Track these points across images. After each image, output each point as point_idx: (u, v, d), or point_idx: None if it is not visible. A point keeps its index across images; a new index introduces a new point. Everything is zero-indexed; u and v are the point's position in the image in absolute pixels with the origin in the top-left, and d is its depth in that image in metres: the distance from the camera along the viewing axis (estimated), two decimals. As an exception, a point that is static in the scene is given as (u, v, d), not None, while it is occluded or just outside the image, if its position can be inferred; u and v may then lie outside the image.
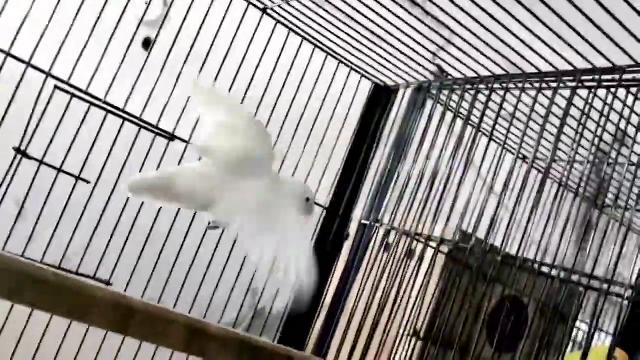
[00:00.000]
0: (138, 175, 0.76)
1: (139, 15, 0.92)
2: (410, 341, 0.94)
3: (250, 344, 0.60)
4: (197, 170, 0.75)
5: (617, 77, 0.81)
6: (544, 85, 0.90)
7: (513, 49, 0.90)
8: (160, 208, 0.85)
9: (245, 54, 0.99)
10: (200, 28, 0.95)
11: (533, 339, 0.90)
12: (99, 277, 0.88)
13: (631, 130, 0.84)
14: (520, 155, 1.17)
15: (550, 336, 0.88)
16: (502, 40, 0.89)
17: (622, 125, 0.85)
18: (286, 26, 1.04)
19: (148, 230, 0.91)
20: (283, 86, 1.02)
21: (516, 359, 0.96)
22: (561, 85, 0.88)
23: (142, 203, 0.88)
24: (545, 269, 0.87)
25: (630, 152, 0.86)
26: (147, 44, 1.12)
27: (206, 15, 0.95)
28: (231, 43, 0.97)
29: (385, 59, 1.05)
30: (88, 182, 0.86)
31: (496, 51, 0.92)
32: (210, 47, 0.95)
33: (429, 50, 1.00)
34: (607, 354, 0.70)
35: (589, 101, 0.87)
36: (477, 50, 0.94)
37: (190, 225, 0.93)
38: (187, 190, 0.73)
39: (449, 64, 1.00)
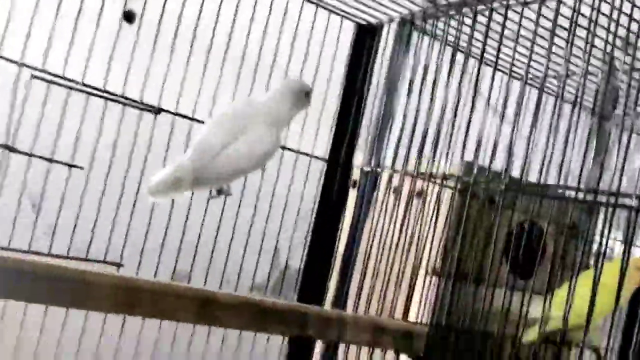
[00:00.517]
0: (152, 178, 0.78)
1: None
2: (431, 279, 0.94)
3: (261, 307, 0.59)
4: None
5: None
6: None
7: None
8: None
9: (218, 13, 0.95)
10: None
11: (553, 261, 0.90)
12: (110, 260, 0.88)
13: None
14: (519, 76, 1.14)
15: (567, 255, 0.87)
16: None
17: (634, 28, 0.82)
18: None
19: (149, 210, 0.90)
20: (262, 42, 0.99)
21: (533, 282, 0.96)
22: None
23: (140, 183, 0.88)
24: (563, 191, 0.85)
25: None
26: (129, 17, 1.09)
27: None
28: (202, 4, 0.94)
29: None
30: (82, 167, 0.85)
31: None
32: (180, 13, 0.92)
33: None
34: (621, 262, 0.69)
35: (595, 7, 0.83)
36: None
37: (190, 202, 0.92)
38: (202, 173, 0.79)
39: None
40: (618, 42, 0.84)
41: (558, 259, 0.83)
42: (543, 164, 0.87)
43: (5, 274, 0.45)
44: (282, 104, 0.85)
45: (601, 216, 0.90)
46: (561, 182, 0.82)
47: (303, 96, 0.86)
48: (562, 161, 0.83)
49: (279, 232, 1.00)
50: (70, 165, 0.84)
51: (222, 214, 0.95)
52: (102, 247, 0.89)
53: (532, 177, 0.91)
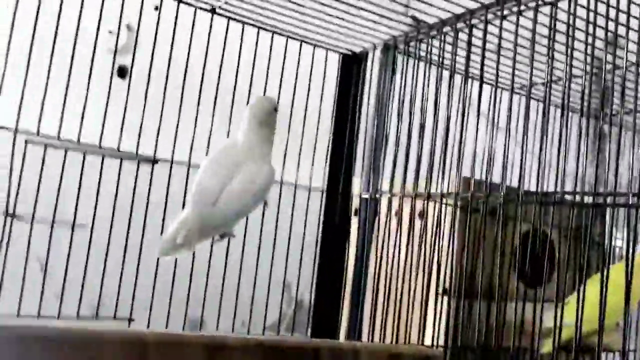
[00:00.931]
0: (162, 240, 0.82)
1: (102, 46, 0.91)
2: (442, 299, 0.93)
3: (273, 347, 0.59)
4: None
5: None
6: (506, 12, 0.88)
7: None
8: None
9: (205, 58, 0.97)
10: (153, 49, 0.93)
11: (560, 267, 0.89)
12: (120, 316, 0.88)
13: (622, 31, 0.81)
14: (506, 86, 1.15)
15: (576, 260, 0.86)
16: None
17: (611, 28, 0.83)
18: (239, 21, 1.02)
19: (155, 260, 0.90)
20: (250, 80, 1.01)
21: (544, 291, 0.95)
22: (522, 7, 0.86)
23: (143, 235, 0.88)
24: (567, 197, 0.85)
25: (625, 53, 0.83)
26: (122, 72, 1.11)
27: (155, 34, 0.94)
28: (188, 52, 0.96)
29: (344, 27, 1.03)
30: (84, 226, 0.85)
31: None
32: (169, 60, 0.94)
33: (398, 3, 0.96)
34: (625, 260, 0.69)
35: (572, 12, 0.85)
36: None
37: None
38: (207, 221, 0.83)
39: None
40: (599, 44, 0.85)
41: (566, 265, 0.83)
42: (539, 170, 0.87)
43: (19, 341, 0.45)
44: (258, 134, 0.88)
45: (607, 217, 0.90)
46: (559, 187, 0.83)
47: (272, 115, 0.89)
48: (558, 165, 0.83)
49: (285, 268, 1.00)
50: (73, 225, 0.85)
51: (227, 256, 0.95)
52: (112, 303, 0.89)
53: (532, 186, 0.92)
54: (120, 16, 0.92)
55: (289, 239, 1.01)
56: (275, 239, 1.00)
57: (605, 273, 0.72)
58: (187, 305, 0.91)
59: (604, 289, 0.71)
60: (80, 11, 0.88)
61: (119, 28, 0.93)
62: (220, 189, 0.84)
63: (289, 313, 1.17)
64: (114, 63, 0.94)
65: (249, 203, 0.87)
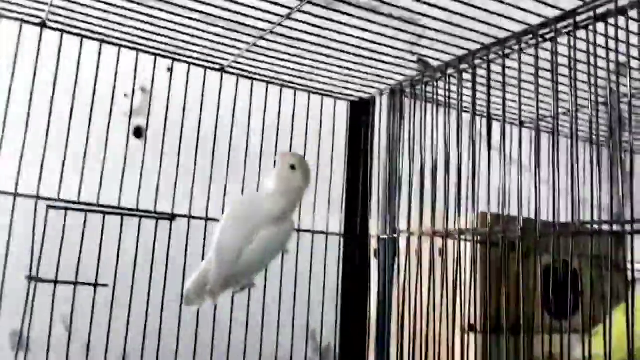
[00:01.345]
0: (185, 289, 0.83)
1: (117, 110, 0.94)
2: (468, 336, 0.92)
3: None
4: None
5: (591, 14, 0.81)
6: (507, 50, 0.90)
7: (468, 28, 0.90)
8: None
9: (217, 114, 1.00)
10: (167, 109, 0.96)
11: (590, 295, 0.88)
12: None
13: (623, 58, 0.82)
14: (515, 121, 1.16)
15: (601, 289, 0.85)
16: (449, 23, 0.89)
17: (613, 57, 0.84)
18: (248, 77, 1.05)
19: (177, 315, 0.91)
20: (262, 133, 1.03)
21: (570, 322, 0.94)
22: (523, 45, 0.88)
23: (164, 289, 0.89)
24: (579, 225, 0.85)
25: (629, 80, 0.83)
26: (138, 132, 1.15)
27: (168, 95, 0.97)
28: (200, 110, 0.98)
29: (351, 75, 1.06)
30: (106, 285, 0.87)
31: (452, 35, 0.92)
32: (182, 119, 0.97)
33: (401, 50, 0.99)
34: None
35: (571, 45, 0.86)
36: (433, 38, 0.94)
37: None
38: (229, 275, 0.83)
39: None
40: (602, 73, 0.86)
41: (590, 294, 0.81)
42: (554, 201, 0.87)
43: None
44: (282, 190, 0.85)
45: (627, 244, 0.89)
46: (577, 217, 0.82)
47: (289, 172, 0.86)
48: (573, 195, 0.83)
49: (308, 314, 1.00)
50: (96, 285, 0.86)
51: (248, 306, 0.95)
52: (137, 358, 0.89)
53: (548, 215, 0.92)
54: (134, 79, 0.96)
55: (310, 285, 1.01)
56: (295, 286, 1.00)
57: (630, 301, 0.71)
58: (212, 356, 0.91)
59: (631, 317, 0.69)
60: (96, 79, 0.91)
61: (133, 91, 0.96)
62: (241, 247, 0.84)
63: (315, 358, 1.16)
64: (129, 125, 0.97)
65: (270, 260, 0.87)
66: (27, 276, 0.81)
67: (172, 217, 0.93)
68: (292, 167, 0.85)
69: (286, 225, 0.87)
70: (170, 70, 1.00)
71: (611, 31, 0.82)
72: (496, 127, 0.95)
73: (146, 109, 1.07)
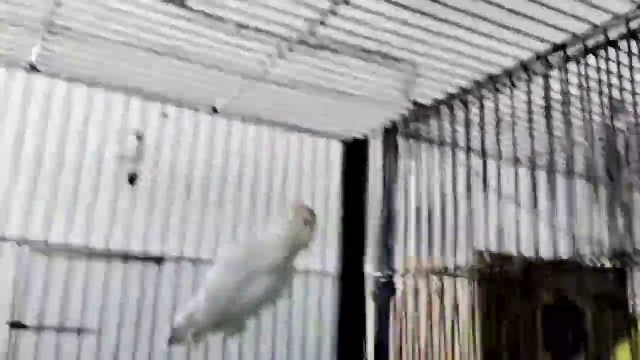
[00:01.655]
0: (170, 329, 0.82)
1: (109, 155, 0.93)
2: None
3: None
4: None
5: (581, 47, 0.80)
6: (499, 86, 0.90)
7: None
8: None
9: (210, 158, 0.99)
10: (158, 153, 0.95)
11: (593, 333, 0.85)
12: None
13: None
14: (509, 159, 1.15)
15: (606, 326, 0.82)
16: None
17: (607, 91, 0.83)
18: (241, 119, 1.05)
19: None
20: (255, 174, 1.02)
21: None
22: (514, 80, 0.87)
23: (152, 335, 0.86)
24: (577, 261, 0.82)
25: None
26: (132, 179, 1.13)
27: (159, 139, 0.96)
28: (193, 154, 0.97)
29: (343, 115, 1.05)
30: (93, 331, 0.84)
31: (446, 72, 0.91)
32: (171, 162, 0.96)
33: (395, 89, 0.98)
34: None
35: (565, 79, 0.85)
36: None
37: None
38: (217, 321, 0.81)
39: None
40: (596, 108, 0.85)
41: (595, 332, 0.78)
42: (553, 238, 0.85)
43: None
44: (285, 243, 0.83)
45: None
46: (575, 253, 0.80)
47: (302, 226, 0.84)
48: (572, 232, 0.81)
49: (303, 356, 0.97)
50: (80, 330, 0.83)
51: (240, 350, 0.92)
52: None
53: (547, 253, 0.89)
54: (123, 124, 0.95)
55: (304, 328, 0.98)
56: (290, 327, 0.97)
57: (634, 338, 0.68)
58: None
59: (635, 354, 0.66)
60: (86, 123, 0.91)
61: (120, 138, 0.96)
62: (235, 292, 0.81)
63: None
64: (118, 169, 0.95)
65: (265, 307, 0.85)
66: (8, 322, 0.79)
67: (159, 261, 0.91)
68: (306, 223, 0.84)
69: (286, 275, 0.85)
70: (165, 115, 0.99)
71: (604, 64, 0.82)
72: (492, 163, 0.94)
73: (140, 154, 1.07)
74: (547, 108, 0.85)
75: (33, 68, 0.88)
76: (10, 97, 0.85)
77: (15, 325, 0.78)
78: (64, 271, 0.84)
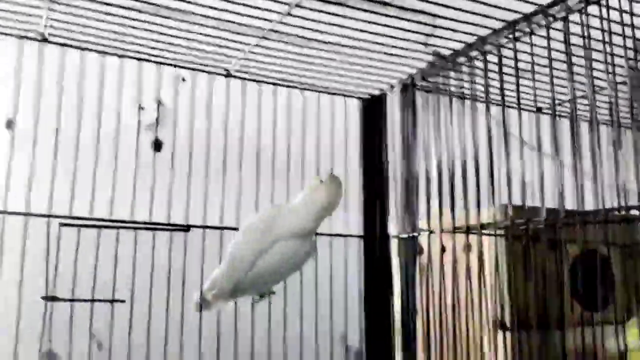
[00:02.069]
0: (199, 294, 0.85)
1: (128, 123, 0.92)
2: (496, 333, 0.89)
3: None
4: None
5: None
6: (518, 34, 0.87)
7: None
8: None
9: (226, 122, 0.98)
10: (174, 120, 0.95)
11: (622, 284, 0.84)
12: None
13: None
14: (532, 108, 1.13)
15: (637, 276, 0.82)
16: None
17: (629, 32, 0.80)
18: (254, 80, 1.03)
19: (197, 328, 0.89)
20: (273, 139, 1.01)
21: (600, 314, 0.90)
22: (533, 26, 0.85)
23: (182, 302, 0.88)
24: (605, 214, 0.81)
25: None
26: (157, 145, 1.14)
27: (175, 105, 0.95)
28: (209, 119, 0.97)
29: (360, 72, 1.03)
30: (123, 301, 0.85)
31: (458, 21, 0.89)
32: (191, 129, 0.95)
33: (412, 42, 0.96)
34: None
35: (585, 23, 0.83)
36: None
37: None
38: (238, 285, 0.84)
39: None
40: (619, 51, 0.82)
41: (623, 283, 0.78)
42: (577, 189, 0.84)
43: None
44: (310, 209, 0.86)
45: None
46: (601, 204, 0.79)
47: (316, 186, 0.87)
48: (596, 181, 0.80)
49: (331, 319, 0.98)
50: (112, 301, 0.85)
51: (269, 314, 0.93)
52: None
53: (573, 205, 0.88)
54: (139, 90, 0.94)
55: (331, 290, 0.99)
56: (316, 291, 0.98)
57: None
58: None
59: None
60: (101, 92, 0.90)
61: (140, 105, 0.95)
62: (255, 258, 0.84)
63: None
64: (137, 137, 0.95)
65: (280, 276, 0.86)
66: (43, 296, 0.80)
67: (187, 228, 0.92)
68: (329, 189, 0.86)
69: (307, 244, 0.86)
70: (183, 79, 0.98)
71: (625, 4, 0.79)
72: (513, 114, 0.92)
73: (161, 121, 1.07)
74: (568, 54, 0.83)
75: (44, 39, 0.87)
76: (23, 70, 0.85)
77: (49, 298, 0.80)
78: (93, 243, 0.85)
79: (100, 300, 0.84)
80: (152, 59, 0.95)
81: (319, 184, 0.87)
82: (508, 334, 0.92)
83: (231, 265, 0.84)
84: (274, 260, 0.83)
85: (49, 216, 0.83)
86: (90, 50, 0.91)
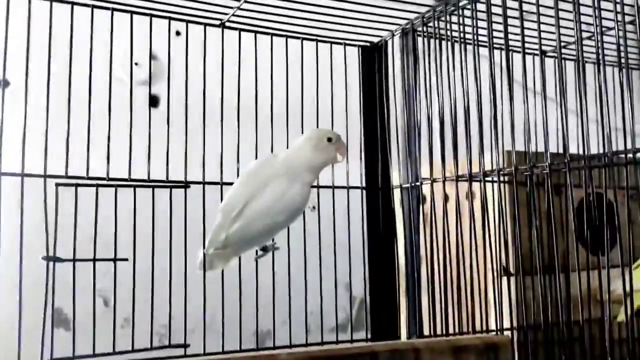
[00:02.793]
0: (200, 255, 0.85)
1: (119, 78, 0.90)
2: (501, 279, 0.89)
3: (327, 356, 0.57)
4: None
5: None
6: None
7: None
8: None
9: (222, 74, 0.96)
10: (168, 75, 0.92)
11: (627, 228, 0.83)
12: (175, 343, 0.87)
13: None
14: (535, 52, 1.10)
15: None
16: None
17: None
18: (250, 31, 1.00)
19: (202, 283, 0.89)
20: (271, 90, 0.99)
21: (607, 256, 0.90)
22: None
23: (185, 257, 0.87)
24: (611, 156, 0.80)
25: None
26: (154, 101, 1.12)
27: (168, 59, 0.93)
28: (204, 71, 0.94)
29: (358, 19, 1.00)
30: (126, 259, 0.85)
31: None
32: (186, 83, 0.93)
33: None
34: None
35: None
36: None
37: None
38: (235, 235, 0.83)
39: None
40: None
41: (628, 227, 0.77)
42: (583, 132, 0.82)
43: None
44: (302, 154, 0.85)
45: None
46: (607, 147, 0.77)
47: (324, 143, 0.86)
48: (603, 125, 0.78)
49: (335, 270, 0.98)
50: (115, 259, 0.84)
51: (273, 267, 0.93)
52: (164, 331, 0.88)
53: (578, 149, 0.87)
54: (131, 45, 0.92)
55: (334, 241, 0.99)
56: (320, 242, 0.98)
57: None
58: (240, 320, 0.90)
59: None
60: (91, 46, 0.88)
61: (131, 62, 0.93)
62: (245, 203, 0.83)
63: (346, 316, 1.14)
64: (131, 93, 0.92)
65: (274, 222, 0.84)
66: (44, 257, 0.80)
67: (186, 185, 0.91)
68: (329, 140, 0.88)
69: (298, 186, 0.84)
70: (178, 33, 0.96)
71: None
72: (517, 58, 0.90)
73: (156, 76, 1.05)
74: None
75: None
76: (11, 26, 0.82)
77: (51, 259, 0.79)
78: (91, 202, 0.84)
79: (102, 260, 0.83)
80: (144, 11, 0.92)
81: (328, 144, 0.86)
82: (512, 279, 0.92)
83: (227, 214, 0.83)
84: (264, 200, 0.83)
85: (45, 176, 0.82)
86: (80, 4, 0.88)
